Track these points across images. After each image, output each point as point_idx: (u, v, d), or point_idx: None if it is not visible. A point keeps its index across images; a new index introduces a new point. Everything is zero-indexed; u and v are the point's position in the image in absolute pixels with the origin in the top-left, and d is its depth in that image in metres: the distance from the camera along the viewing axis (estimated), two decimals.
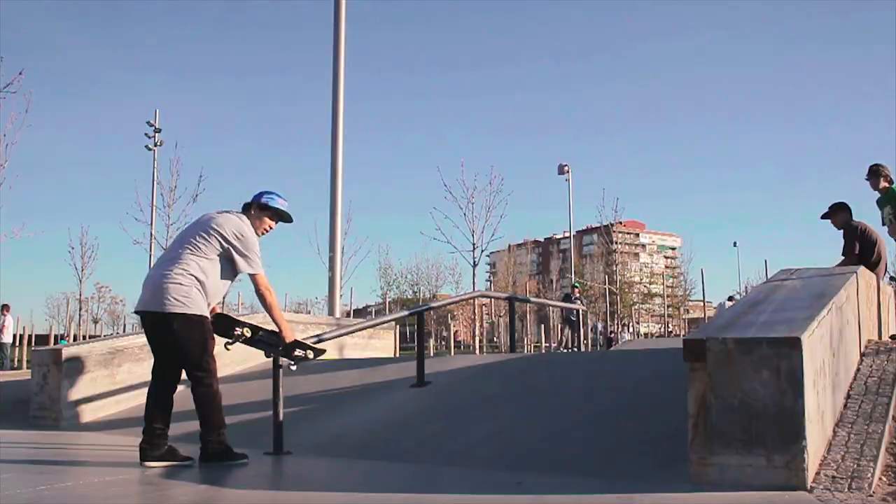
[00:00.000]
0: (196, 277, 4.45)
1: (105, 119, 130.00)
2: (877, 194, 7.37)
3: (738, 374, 3.47)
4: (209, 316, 4.60)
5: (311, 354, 4.99)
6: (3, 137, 15.22)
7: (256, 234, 4.70)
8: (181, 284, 4.40)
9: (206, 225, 4.59)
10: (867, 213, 7.84)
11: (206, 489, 3.83)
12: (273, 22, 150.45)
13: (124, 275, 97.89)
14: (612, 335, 36.44)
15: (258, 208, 4.75)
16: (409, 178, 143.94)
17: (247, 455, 4.58)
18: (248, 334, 4.79)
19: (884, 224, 7.41)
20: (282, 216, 4.84)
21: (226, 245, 4.52)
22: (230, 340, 4.77)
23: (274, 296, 4.71)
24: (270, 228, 4.83)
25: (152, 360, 4.63)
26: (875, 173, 7.30)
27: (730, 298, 20.83)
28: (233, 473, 4.40)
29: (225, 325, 4.85)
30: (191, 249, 4.50)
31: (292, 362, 4.93)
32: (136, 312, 4.80)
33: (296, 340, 4.88)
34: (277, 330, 4.75)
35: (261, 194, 4.81)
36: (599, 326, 37.18)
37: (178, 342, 4.43)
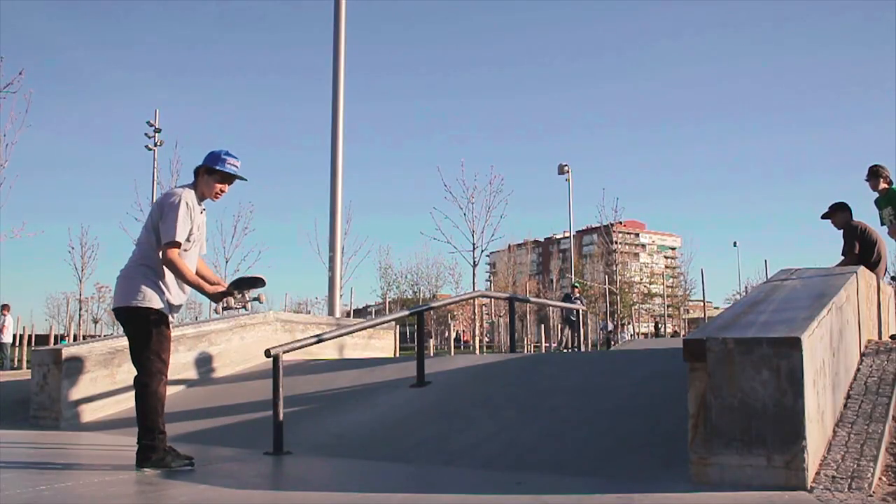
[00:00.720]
0: (147, 266, 4.31)
1: (105, 119, 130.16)
2: (876, 195, 7.38)
3: (738, 374, 3.47)
4: (167, 307, 4.35)
5: (249, 294, 4.51)
6: (3, 137, 15.22)
7: (211, 198, 4.49)
8: (131, 278, 4.31)
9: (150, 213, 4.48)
10: (867, 214, 7.84)
11: (206, 489, 3.82)
12: (273, 22, 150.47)
13: None
14: (612, 335, 36.48)
15: (206, 172, 4.46)
16: (409, 178, 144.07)
17: (192, 459, 4.31)
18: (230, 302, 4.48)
19: (883, 224, 7.42)
20: (231, 177, 4.51)
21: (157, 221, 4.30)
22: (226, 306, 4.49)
23: (179, 266, 4.31)
24: (222, 192, 4.53)
25: None
26: (875, 174, 7.30)
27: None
28: (233, 473, 4.40)
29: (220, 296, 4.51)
30: (143, 239, 4.39)
31: (237, 307, 4.50)
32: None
33: (223, 291, 4.46)
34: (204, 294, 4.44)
35: (210, 156, 4.50)
36: (610, 326, 37.32)
37: (127, 336, 4.37)
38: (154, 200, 25.27)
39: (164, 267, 4.32)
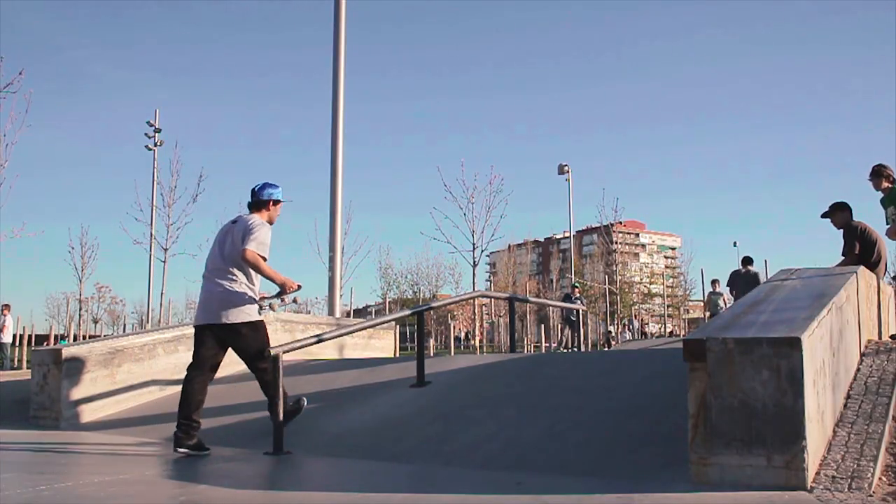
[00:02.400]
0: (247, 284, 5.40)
1: (105, 119, 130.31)
2: (880, 194, 7.35)
3: (738, 374, 3.46)
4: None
5: (288, 296, 5.57)
6: (3, 137, 15.17)
7: (273, 221, 5.59)
8: (234, 296, 5.32)
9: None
10: (868, 213, 7.84)
11: (206, 489, 3.83)
12: (273, 22, 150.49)
13: (124, 275, 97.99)
14: (612, 335, 36.47)
15: (274, 204, 5.59)
16: (409, 178, 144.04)
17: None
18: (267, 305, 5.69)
19: (888, 224, 7.39)
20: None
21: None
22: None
23: (260, 263, 5.28)
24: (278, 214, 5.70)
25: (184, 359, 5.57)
26: (877, 174, 7.28)
27: (713, 282, 20.73)
28: (233, 473, 4.40)
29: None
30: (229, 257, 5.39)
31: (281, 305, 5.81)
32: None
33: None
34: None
35: (273, 189, 5.59)
36: (610, 328, 37.51)
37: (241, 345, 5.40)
38: (154, 200, 25.36)
39: (251, 269, 5.27)
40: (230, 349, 5.34)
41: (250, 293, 5.27)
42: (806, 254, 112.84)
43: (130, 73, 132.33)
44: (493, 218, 26.62)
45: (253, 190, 5.57)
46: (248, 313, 5.23)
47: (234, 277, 5.24)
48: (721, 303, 18.66)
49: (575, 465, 4.18)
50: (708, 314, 19.53)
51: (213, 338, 5.23)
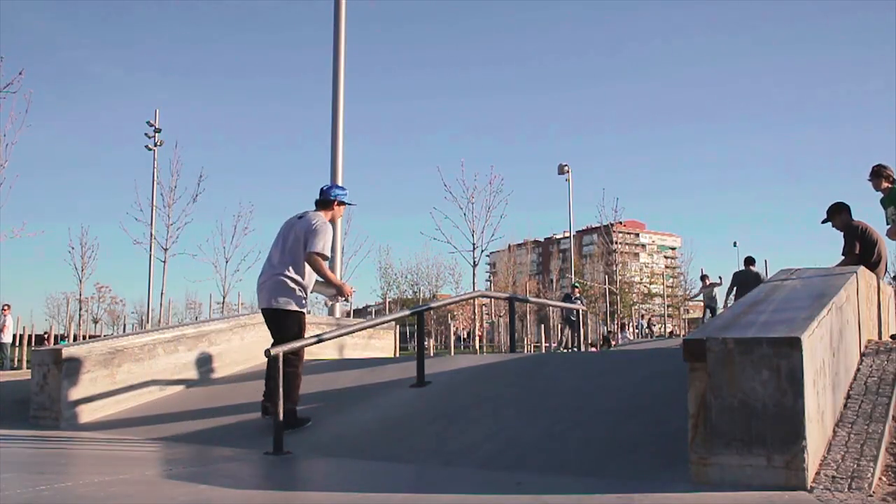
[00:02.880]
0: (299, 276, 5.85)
1: (105, 119, 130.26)
2: (880, 194, 7.35)
3: (738, 374, 3.46)
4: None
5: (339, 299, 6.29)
6: (3, 137, 15.19)
7: (336, 220, 6.27)
8: (285, 286, 5.80)
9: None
10: (868, 213, 7.83)
11: (206, 489, 3.82)
12: (273, 22, 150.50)
13: (124, 275, 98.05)
14: (612, 334, 36.47)
15: (339, 204, 6.16)
16: (409, 178, 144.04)
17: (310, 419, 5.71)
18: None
19: (888, 224, 7.39)
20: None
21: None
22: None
23: (321, 265, 5.80)
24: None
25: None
26: (877, 174, 7.28)
27: (703, 277, 20.81)
28: (233, 473, 4.40)
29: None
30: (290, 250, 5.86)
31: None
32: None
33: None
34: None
35: (339, 190, 6.22)
36: (604, 331, 37.53)
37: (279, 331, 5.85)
38: (154, 200, 25.37)
39: (308, 267, 5.75)
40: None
41: (300, 286, 5.78)
42: (806, 254, 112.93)
43: (130, 73, 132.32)
44: (493, 218, 26.67)
45: (322, 189, 6.15)
46: (292, 303, 5.73)
47: (289, 269, 5.73)
48: (715, 294, 18.74)
49: (575, 465, 4.18)
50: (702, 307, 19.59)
51: (268, 320, 5.87)
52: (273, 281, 5.76)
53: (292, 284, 5.73)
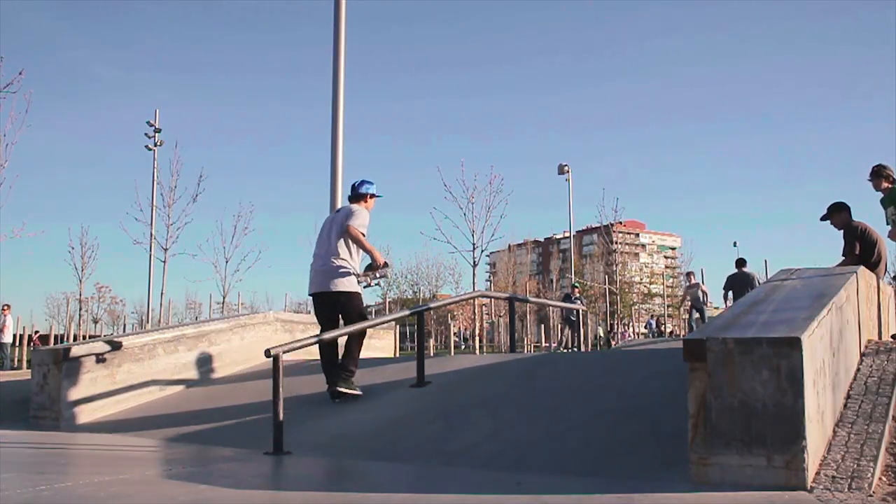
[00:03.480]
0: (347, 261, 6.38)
1: (105, 119, 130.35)
2: (880, 194, 7.35)
3: (738, 374, 3.46)
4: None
5: (380, 272, 6.44)
6: (3, 137, 15.13)
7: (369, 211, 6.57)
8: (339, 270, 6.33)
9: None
10: (868, 214, 7.83)
11: (206, 489, 3.82)
12: (273, 22, 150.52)
13: (124, 275, 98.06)
14: (612, 334, 36.48)
15: (371, 197, 6.65)
16: (409, 178, 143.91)
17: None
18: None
19: (888, 224, 7.39)
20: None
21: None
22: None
23: (361, 238, 6.33)
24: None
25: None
26: (877, 174, 7.27)
27: (688, 274, 20.83)
28: (233, 473, 4.40)
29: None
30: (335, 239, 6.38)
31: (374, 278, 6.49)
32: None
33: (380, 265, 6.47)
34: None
35: (370, 184, 6.65)
36: (600, 332, 37.51)
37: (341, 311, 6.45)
38: (154, 200, 25.36)
39: (353, 247, 6.30)
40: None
41: (352, 269, 6.31)
42: (806, 254, 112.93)
43: (130, 73, 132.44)
44: (493, 218, 26.54)
45: (353, 185, 6.66)
46: (348, 285, 6.28)
47: (339, 256, 6.27)
48: (700, 294, 18.74)
49: (575, 465, 4.17)
50: (688, 305, 19.56)
51: (323, 304, 6.35)
52: (328, 267, 6.26)
53: (347, 266, 6.26)
